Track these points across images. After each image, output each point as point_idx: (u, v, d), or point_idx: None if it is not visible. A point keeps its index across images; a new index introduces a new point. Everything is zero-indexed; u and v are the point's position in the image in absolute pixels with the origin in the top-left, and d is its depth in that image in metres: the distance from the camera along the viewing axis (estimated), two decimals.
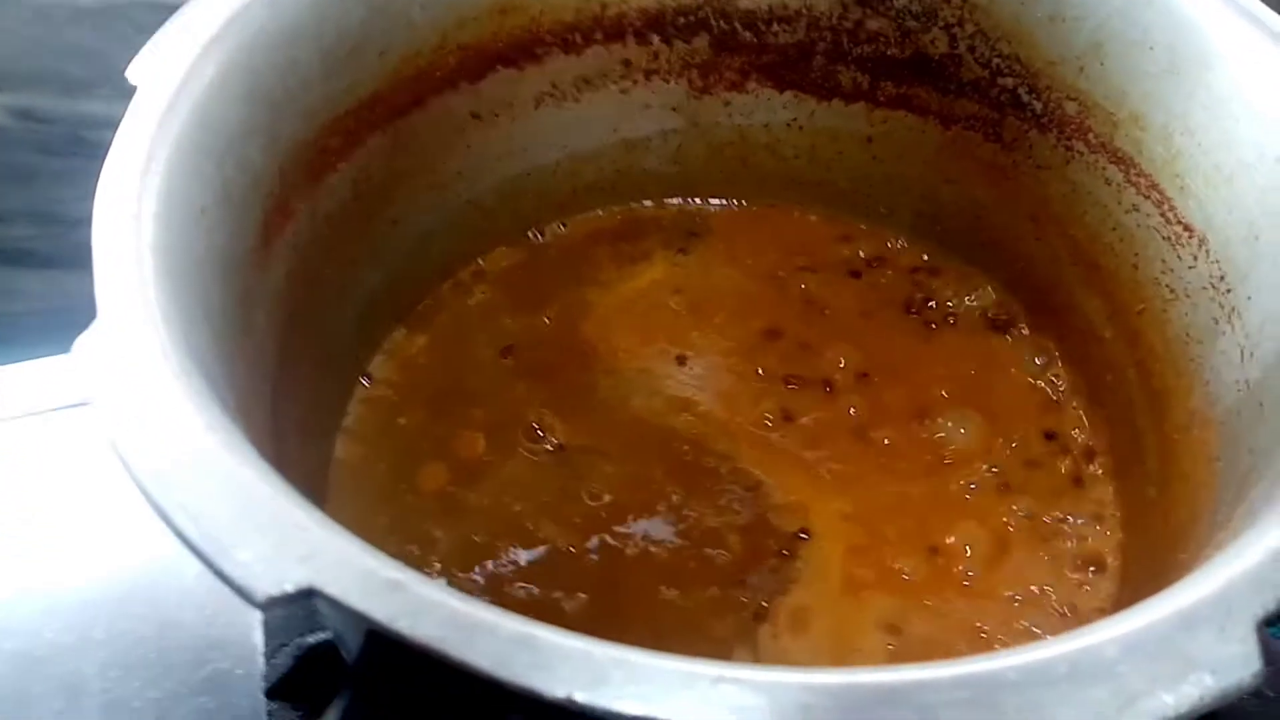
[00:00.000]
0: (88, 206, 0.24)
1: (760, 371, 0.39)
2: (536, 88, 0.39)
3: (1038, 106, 0.36)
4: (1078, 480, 0.36)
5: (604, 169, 0.43)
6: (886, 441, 0.37)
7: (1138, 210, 0.34)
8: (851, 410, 0.38)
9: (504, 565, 0.34)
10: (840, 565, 0.35)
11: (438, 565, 0.34)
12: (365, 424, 0.38)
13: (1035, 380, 0.39)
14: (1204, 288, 0.31)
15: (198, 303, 0.25)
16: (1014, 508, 0.35)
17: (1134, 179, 0.34)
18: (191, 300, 0.25)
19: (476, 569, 0.34)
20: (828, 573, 0.35)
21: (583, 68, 0.39)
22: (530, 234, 0.43)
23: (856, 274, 0.42)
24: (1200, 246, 0.31)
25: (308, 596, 0.17)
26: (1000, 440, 0.37)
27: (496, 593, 0.34)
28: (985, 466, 0.37)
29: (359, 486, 0.36)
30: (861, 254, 0.42)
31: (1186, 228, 0.32)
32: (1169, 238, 0.33)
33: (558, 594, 0.33)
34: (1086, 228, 0.36)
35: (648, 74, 0.40)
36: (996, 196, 0.39)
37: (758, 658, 0.33)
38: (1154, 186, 0.33)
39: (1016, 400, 0.38)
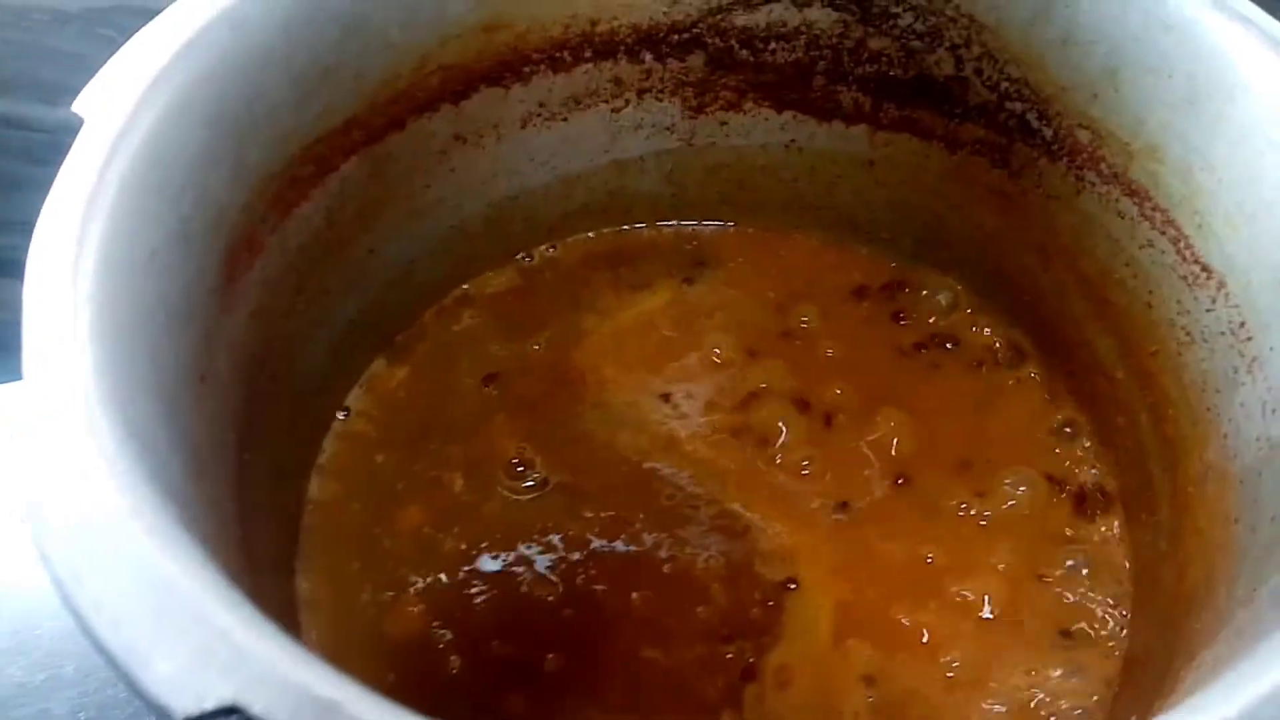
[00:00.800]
0: None
1: (754, 407, 0.37)
2: (523, 108, 0.37)
3: (1048, 133, 0.34)
4: (1083, 527, 0.34)
5: (595, 190, 0.41)
6: (883, 482, 0.36)
7: (1152, 246, 0.32)
8: (848, 447, 0.37)
9: (480, 616, 0.33)
10: (829, 617, 0.34)
11: (415, 611, 0.33)
12: (341, 461, 0.36)
13: (1043, 420, 0.37)
14: (1222, 333, 0.29)
15: (144, 358, 0.24)
16: (1013, 556, 0.34)
17: (1149, 213, 0.32)
18: (136, 356, 0.23)
19: (450, 620, 0.33)
20: (815, 626, 0.34)
21: (572, 86, 0.37)
22: (520, 257, 0.41)
23: (858, 301, 0.40)
24: (1219, 289, 0.29)
25: (229, 714, 0.16)
26: (1004, 483, 0.35)
27: (471, 650, 0.32)
28: (985, 510, 0.35)
29: (333, 528, 0.35)
30: (862, 281, 0.41)
31: (1204, 268, 0.30)
32: (1185, 277, 0.31)
33: (535, 652, 0.32)
34: (1097, 262, 0.34)
35: (640, 93, 0.38)
36: (1003, 225, 0.37)
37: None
38: (1170, 222, 0.31)
39: (1022, 441, 0.36)
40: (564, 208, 0.41)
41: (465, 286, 0.40)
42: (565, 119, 0.38)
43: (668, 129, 0.40)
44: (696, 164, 0.41)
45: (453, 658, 0.32)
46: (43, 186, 0.24)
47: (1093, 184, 0.33)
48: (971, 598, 0.34)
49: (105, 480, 0.19)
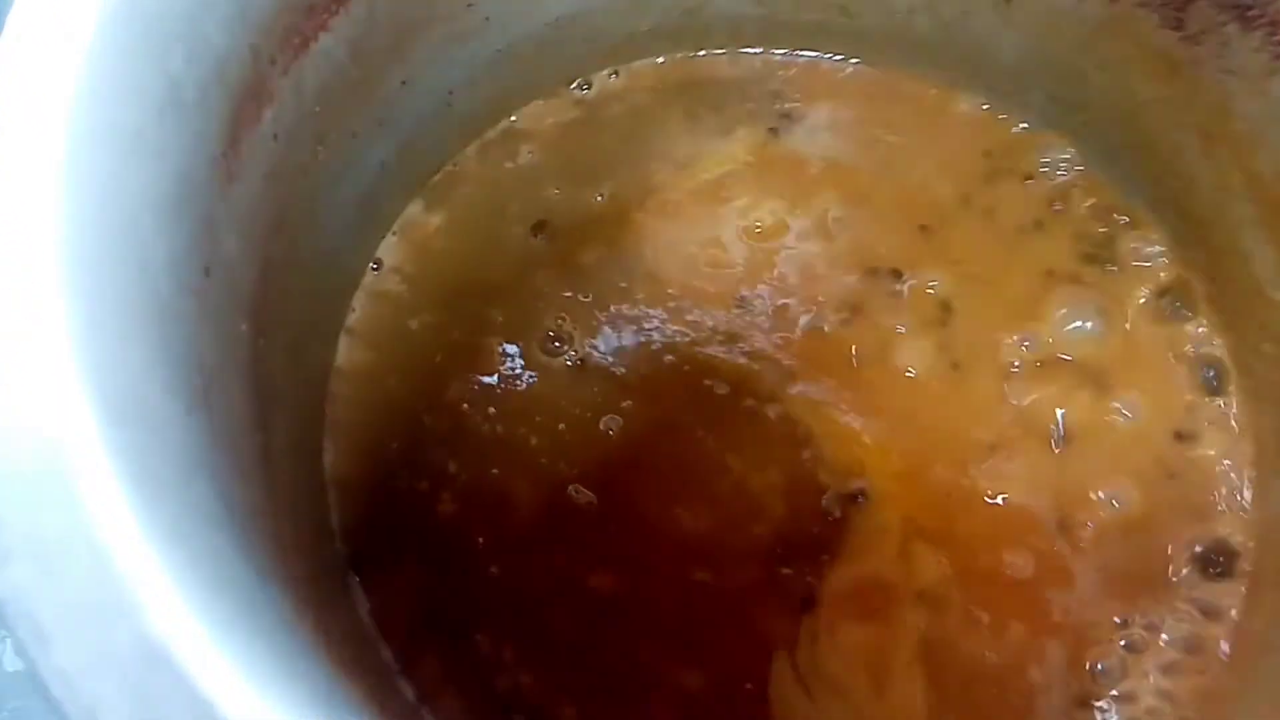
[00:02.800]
0: None
1: (842, 299, 0.33)
2: None
3: None
4: (1211, 477, 0.30)
5: (670, 8, 0.34)
6: (978, 397, 0.32)
7: None
8: (941, 357, 0.32)
9: (518, 516, 0.30)
10: (898, 534, 0.31)
11: (451, 509, 0.30)
12: (372, 324, 0.32)
13: (1173, 340, 0.32)
14: None
15: (129, 272, 0.19)
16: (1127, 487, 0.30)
17: None
18: (119, 272, 0.19)
19: (489, 526, 0.30)
20: (883, 542, 0.31)
21: None
22: (576, 85, 0.35)
23: (977, 165, 0.34)
24: None
25: None
26: (1113, 414, 0.31)
27: (510, 557, 0.29)
28: (1088, 423, 0.31)
29: (365, 404, 0.31)
30: (984, 142, 0.35)
31: None
32: None
33: (578, 567, 0.29)
34: (1276, 162, 0.28)
35: None
36: (1162, 96, 0.31)
37: (796, 662, 0.29)
38: None
39: (1146, 364, 0.32)
40: (630, 27, 0.34)
41: (513, 119, 0.35)
42: None
43: None
44: None
45: (492, 566, 0.29)
46: None
47: None
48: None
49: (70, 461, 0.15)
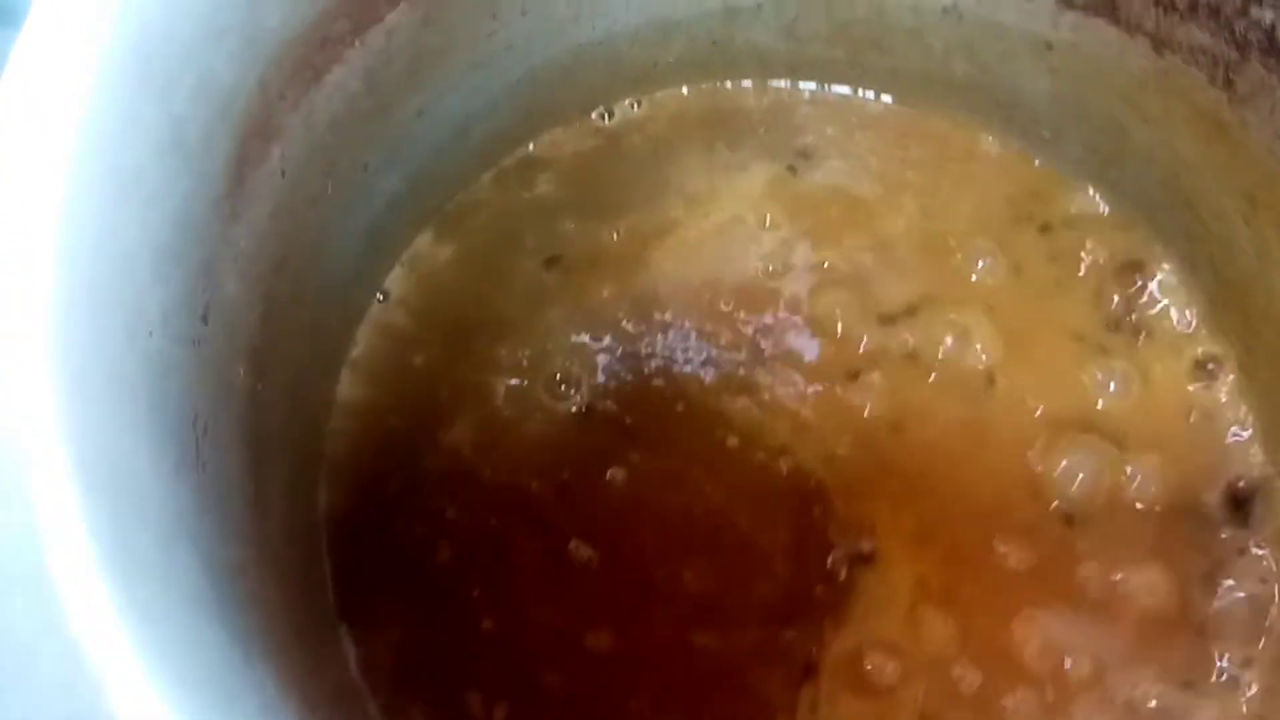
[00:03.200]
0: None
1: (861, 349, 0.32)
2: None
3: None
4: (1235, 538, 0.29)
5: (697, 39, 0.33)
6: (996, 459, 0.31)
7: None
8: (963, 415, 0.31)
9: (515, 576, 0.29)
10: (908, 598, 0.30)
11: (446, 557, 0.29)
12: (375, 359, 0.31)
13: (1203, 408, 0.31)
14: None
15: (124, 324, 0.18)
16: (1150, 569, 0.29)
17: None
18: (111, 328, 0.18)
19: (485, 577, 0.29)
20: (892, 606, 0.30)
21: None
22: (597, 114, 0.34)
23: (1006, 215, 0.33)
24: None
25: None
26: (1134, 483, 0.30)
27: (506, 612, 0.28)
28: (1110, 502, 0.30)
29: (364, 441, 0.30)
30: (1016, 191, 0.33)
31: None
32: None
33: (575, 624, 0.28)
34: None
35: None
36: (1206, 157, 0.30)
37: None
38: None
39: (1175, 431, 0.30)
40: (656, 57, 0.33)
41: (531, 147, 0.34)
42: None
43: None
44: (825, 17, 0.33)
45: (485, 620, 0.28)
46: None
47: None
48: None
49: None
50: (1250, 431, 0.31)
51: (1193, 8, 0.28)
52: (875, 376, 0.31)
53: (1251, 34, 0.27)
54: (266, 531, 0.24)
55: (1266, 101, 0.27)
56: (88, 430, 0.16)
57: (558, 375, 0.31)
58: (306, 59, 0.24)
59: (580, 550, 0.29)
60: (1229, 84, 0.28)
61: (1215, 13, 0.27)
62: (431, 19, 0.27)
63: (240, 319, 0.23)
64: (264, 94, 0.23)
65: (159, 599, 0.16)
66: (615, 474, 0.30)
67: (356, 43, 0.25)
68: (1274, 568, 0.29)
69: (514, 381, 0.31)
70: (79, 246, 0.17)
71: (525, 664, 0.28)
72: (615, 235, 0.33)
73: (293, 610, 0.24)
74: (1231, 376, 0.31)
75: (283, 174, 0.24)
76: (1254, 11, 0.26)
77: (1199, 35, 0.28)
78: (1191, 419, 0.31)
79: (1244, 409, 0.31)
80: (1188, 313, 0.32)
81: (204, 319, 0.22)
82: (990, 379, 0.31)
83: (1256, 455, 0.30)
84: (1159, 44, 0.29)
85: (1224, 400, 0.31)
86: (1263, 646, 0.29)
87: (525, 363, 0.31)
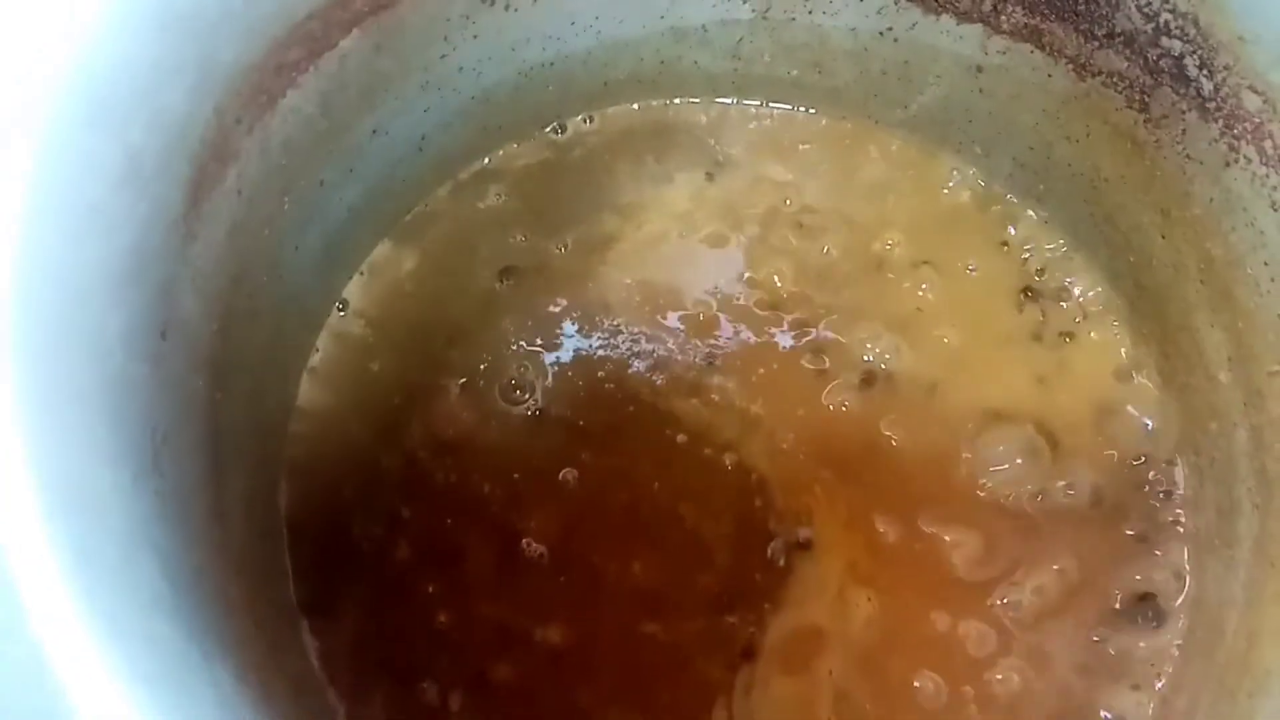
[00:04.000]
0: None
1: (801, 350, 0.33)
2: None
3: (1207, 86, 0.28)
4: (1145, 537, 0.31)
5: (645, 59, 0.35)
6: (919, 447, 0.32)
7: None
8: (895, 409, 0.33)
9: (469, 572, 0.30)
10: (838, 582, 0.31)
11: (403, 555, 0.30)
12: (335, 366, 0.32)
13: (1122, 410, 0.33)
14: None
15: (84, 347, 0.20)
16: (1064, 557, 0.31)
17: None
18: (71, 352, 0.19)
19: (440, 574, 0.30)
20: (824, 589, 0.31)
21: None
22: (550, 129, 0.36)
23: (939, 218, 0.35)
24: None
25: None
26: (1059, 476, 0.32)
27: (460, 607, 0.30)
28: (1036, 493, 0.32)
29: (324, 445, 0.31)
30: (947, 202, 0.35)
31: None
32: None
33: (526, 618, 0.30)
34: (1230, 248, 0.29)
35: None
36: (1124, 174, 0.31)
37: (732, 715, 0.29)
38: None
39: (1097, 431, 0.32)
40: (607, 75, 0.35)
41: (486, 160, 0.35)
42: None
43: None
44: (769, 39, 0.34)
45: (440, 615, 0.30)
46: None
47: (1249, 160, 0.27)
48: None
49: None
50: (1165, 431, 0.32)
51: (1110, 36, 0.29)
52: (815, 377, 0.33)
53: (1163, 62, 0.28)
54: (227, 534, 0.25)
55: (1178, 124, 0.29)
56: (48, 449, 0.17)
57: (512, 381, 0.32)
58: (261, 85, 0.25)
59: (532, 547, 0.31)
60: (1144, 107, 0.30)
61: (1130, 41, 0.29)
62: (384, 45, 0.28)
63: (198, 333, 0.25)
64: (220, 121, 0.24)
65: (118, 602, 0.17)
66: (567, 474, 0.31)
67: (310, 69, 0.27)
68: (1185, 565, 0.31)
69: (469, 387, 0.32)
70: (37, 280, 0.19)
71: (478, 656, 0.29)
72: (562, 248, 0.34)
73: (253, 607, 0.25)
74: (1150, 382, 0.33)
75: (239, 193, 0.26)
76: (1164, 41, 0.28)
77: (1116, 61, 0.29)
78: (1114, 420, 0.33)
79: (1162, 411, 0.33)
80: (1111, 321, 0.33)
81: (163, 335, 0.23)
82: (921, 381, 0.33)
83: (1170, 453, 0.32)
84: (1080, 69, 0.31)
85: (1144, 403, 0.33)
86: (1169, 636, 0.30)
87: (480, 368, 0.32)
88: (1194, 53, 0.28)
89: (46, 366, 0.18)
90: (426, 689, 0.29)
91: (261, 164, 0.26)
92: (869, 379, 0.33)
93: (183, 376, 0.24)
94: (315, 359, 0.32)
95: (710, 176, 0.35)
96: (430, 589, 0.30)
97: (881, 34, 0.33)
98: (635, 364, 0.33)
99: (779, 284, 0.34)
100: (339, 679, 0.29)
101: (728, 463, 0.32)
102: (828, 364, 0.33)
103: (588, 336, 0.33)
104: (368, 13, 0.27)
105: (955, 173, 0.35)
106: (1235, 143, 0.28)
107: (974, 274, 0.34)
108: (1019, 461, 0.32)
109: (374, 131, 0.30)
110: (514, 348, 0.32)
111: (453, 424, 0.32)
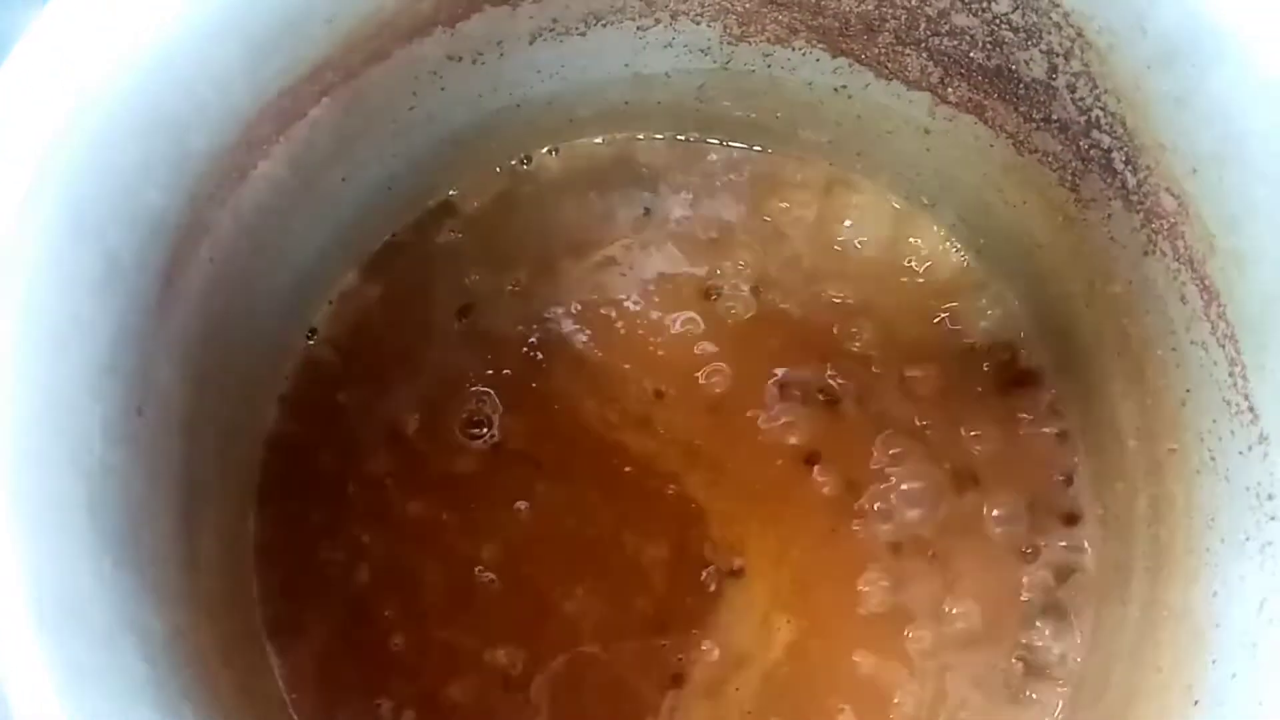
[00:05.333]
0: None
1: (741, 385, 0.35)
2: (533, 24, 0.31)
3: (1131, 181, 0.29)
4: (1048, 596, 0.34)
5: (610, 99, 0.36)
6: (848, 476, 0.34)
7: (1205, 352, 0.28)
8: (843, 437, 0.35)
9: (425, 591, 0.33)
10: (763, 608, 0.34)
11: (365, 578, 0.33)
12: (303, 395, 0.34)
13: (1045, 450, 0.35)
14: (1248, 489, 0.27)
15: (66, 450, 0.21)
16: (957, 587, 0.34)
17: (1213, 318, 0.28)
18: (55, 459, 0.21)
19: (395, 593, 0.33)
20: (749, 616, 0.34)
21: (592, 3, 0.31)
22: (517, 161, 0.37)
23: (879, 258, 0.37)
24: (1261, 442, 0.27)
25: None
26: (986, 509, 0.34)
27: (414, 630, 0.32)
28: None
29: (292, 474, 0.33)
30: (891, 250, 0.37)
31: (1253, 412, 0.27)
32: (1230, 403, 0.28)
33: (477, 641, 0.32)
34: (1144, 329, 0.31)
35: (675, 15, 0.32)
36: (1056, 243, 0.33)
37: None
38: (1233, 340, 0.27)
39: (1018, 464, 0.34)
40: (572, 115, 0.36)
41: (451, 193, 0.36)
42: (582, 34, 0.32)
43: (702, 51, 0.34)
44: (729, 87, 0.35)
45: (396, 637, 0.32)
46: None
47: (1164, 254, 0.29)
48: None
49: None
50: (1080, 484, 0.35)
51: (1046, 120, 0.31)
52: (757, 414, 0.35)
53: (1093, 151, 0.30)
54: (197, 581, 0.27)
55: (1104, 209, 0.31)
56: (36, 560, 0.19)
57: (470, 415, 0.34)
58: (234, 164, 0.26)
59: (484, 574, 0.33)
60: (1075, 188, 0.31)
61: (1065, 129, 0.30)
62: (352, 108, 0.29)
63: (173, 399, 0.26)
64: (193, 205, 0.25)
65: (104, 698, 0.19)
66: (520, 505, 0.34)
67: (281, 139, 0.28)
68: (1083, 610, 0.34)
69: (429, 420, 0.34)
70: (24, 396, 0.20)
71: (431, 676, 0.32)
72: (514, 287, 0.35)
73: (222, 646, 0.28)
74: (1077, 443, 0.35)
75: (211, 261, 0.27)
76: (1094, 134, 0.29)
77: (1052, 143, 0.31)
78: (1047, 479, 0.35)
79: (1083, 474, 0.35)
80: (1046, 380, 0.36)
81: (139, 412, 0.25)
82: (852, 414, 0.35)
83: (1090, 506, 0.35)
84: (1019, 144, 0.32)
85: (1072, 464, 0.35)
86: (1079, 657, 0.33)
87: (440, 403, 0.34)
88: (1121, 149, 0.29)
89: (33, 476, 0.20)
90: (383, 707, 0.32)
91: (233, 231, 0.28)
92: (807, 416, 0.35)
93: (158, 445, 0.26)
94: (285, 387, 0.34)
95: (659, 211, 0.36)
96: (387, 612, 0.32)
97: (836, 90, 0.34)
98: (586, 398, 0.35)
99: (728, 318, 0.36)
100: (301, 699, 0.31)
101: (670, 492, 0.35)
102: (769, 405, 0.35)
103: (542, 372, 0.35)
104: (338, 81, 0.28)
105: (904, 217, 0.37)
106: (1153, 236, 0.29)
107: (913, 317, 0.36)
108: (942, 502, 0.34)
109: (343, 180, 0.32)
110: (472, 385, 0.34)
111: (414, 455, 0.34)
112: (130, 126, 0.22)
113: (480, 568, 0.33)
